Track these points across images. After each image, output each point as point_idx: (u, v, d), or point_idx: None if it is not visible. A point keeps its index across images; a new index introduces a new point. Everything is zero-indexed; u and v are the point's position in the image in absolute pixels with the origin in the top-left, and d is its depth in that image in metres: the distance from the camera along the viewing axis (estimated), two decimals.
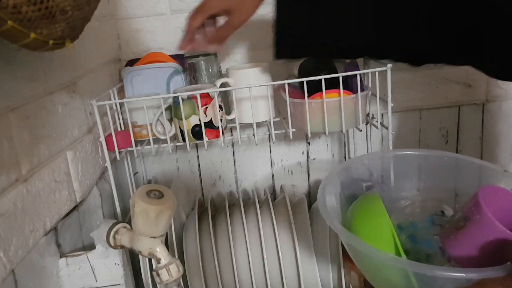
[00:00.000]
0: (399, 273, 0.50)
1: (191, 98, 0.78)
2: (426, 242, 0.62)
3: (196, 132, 0.80)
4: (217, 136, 0.82)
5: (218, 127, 0.81)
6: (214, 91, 0.80)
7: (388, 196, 0.69)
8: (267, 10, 1.00)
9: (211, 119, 0.80)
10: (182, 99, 0.78)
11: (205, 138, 0.80)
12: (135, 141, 0.83)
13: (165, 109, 0.81)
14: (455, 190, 0.68)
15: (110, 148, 0.79)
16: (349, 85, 0.81)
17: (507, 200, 0.56)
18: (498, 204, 0.54)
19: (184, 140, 0.81)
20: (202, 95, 0.78)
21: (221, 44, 0.77)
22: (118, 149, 0.79)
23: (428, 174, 0.71)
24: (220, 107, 0.82)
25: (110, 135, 0.79)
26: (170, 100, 0.82)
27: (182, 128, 0.81)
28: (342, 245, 0.80)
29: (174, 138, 0.85)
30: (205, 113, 0.80)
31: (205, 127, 0.80)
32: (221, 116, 0.82)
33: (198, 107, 0.78)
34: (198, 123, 0.80)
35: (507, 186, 0.60)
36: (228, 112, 0.87)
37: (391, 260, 0.50)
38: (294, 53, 0.72)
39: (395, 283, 0.52)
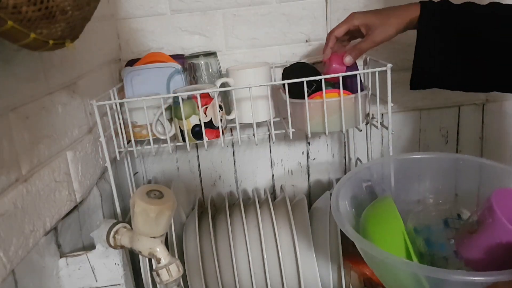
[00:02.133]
0: (411, 277, 0.50)
1: (191, 98, 0.78)
2: (440, 246, 0.62)
3: (196, 132, 0.80)
4: (217, 136, 0.82)
5: (218, 127, 0.81)
6: (214, 91, 0.80)
7: (402, 200, 0.70)
8: (267, 10, 1.00)
9: (211, 119, 0.80)
10: (182, 99, 0.78)
11: (205, 138, 0.80)
12: (135, 141, 0.83)
13: (165, 109, 0.81)
14: (475, 193, 0.68)
15: None
16: (348, 86, 0.81)
17: None
18: (511, 206, 0.54)
19: (184, 140, 0.81)
20: (202, 95, 0.78)
21: (357, 57, 0.79)
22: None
23: (443, 177, 0.71)
24: (220, 107, 0.82)
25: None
26: (170, 100, 0.82)
27: (182, 128, 0.81)
28: (342, 245, 0.80)
29: (174, 138, 0.85)
30: (205, 113, 0.80)
31: (205, 127, 0.80)
32: (221, 116, 0.82)
33: (198, 107, 0.78)
34: (198, 123, 0.80)
35: None
36: (228, 112, 0.87)
37: (402, 264, 0.51)
38: (427, 85, 0.79)
39: (407, 287, 0.52)
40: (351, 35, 0.82)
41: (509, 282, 0.43)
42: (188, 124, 0.80)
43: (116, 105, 0.84)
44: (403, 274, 0.52)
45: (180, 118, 0.80)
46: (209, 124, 0.80)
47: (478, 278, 0.45)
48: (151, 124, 0.82)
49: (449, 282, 0.47)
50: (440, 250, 0.61)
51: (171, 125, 0.84)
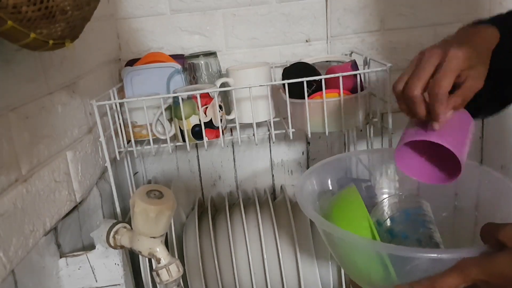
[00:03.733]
0: (375, 259, 0.49)
1: (191, 98, 0.78)
2: (403, 236, 0.62)
3: (196, 132, 0.80)
4: (217, 136, 0.82)
5: (218, 127, 0.81)
6: (214, 91, 0.80)
7: (369, 193, 0.70)
8: (267, 10, 1.00)
9: (211, 119, 0.80)
10: (182, 99, 0.78)
11: (205, 138, 0.80)
12: (135, 141, 0.83)
13: (165, 109, 0.81)
14: (437, 186, 0.69)
15: None
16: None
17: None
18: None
19: (184, 140, 0.81)
20: (202, 95, 0.78)
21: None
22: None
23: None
24: (220, 107, 0.82)
25: None
26: (170, 100, 0.82)
27: (182, 128, 0.81)
28: None
29: (174, 138, 0.85)
30: (205, 113, 0.80)
31: (205, 127, 0.80)
32: (221, 116, 0.82)
33: (198, 107, 0.78)
34: (198, 123, 0.80)
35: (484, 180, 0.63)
36: (228, 112, 0.87)
37: (366, 244, 0.50)
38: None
39: (373, 271, 0.51)
40: None
41: (472, 260, 0.43)
42: (188, 124, 0.80)
43: (116, 105, 0.84)
44: (367, 257, 0.51)
45: (180, 118, 0.80)
46: (209, 124, 0.80)
47: (444, 255, 0.45)
48: (151, 124, 0.82)
49: (413, 260, 0.46)
50: (403, 240, 0.62)
51: (171, 125, 0.84)
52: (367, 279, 0.55)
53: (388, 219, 0.65)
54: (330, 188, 0.68)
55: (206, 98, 0.79)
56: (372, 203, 0.69)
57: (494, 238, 0.43)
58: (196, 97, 0.78)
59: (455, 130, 0.56)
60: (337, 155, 0.71)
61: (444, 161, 0.58)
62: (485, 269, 0.42)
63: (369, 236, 0.53)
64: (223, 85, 0.84)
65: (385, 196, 0.70)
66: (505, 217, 0.56)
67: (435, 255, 0.45)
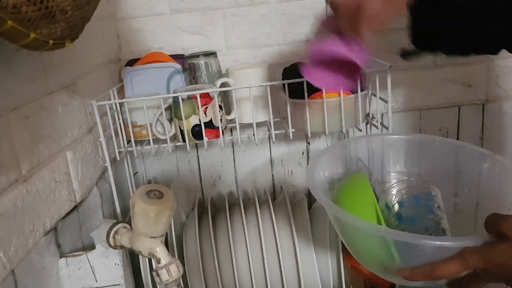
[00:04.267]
0: (381, 244, 0.50)
1: (191, 98, 0.78)
2: (411, 220, 0.63)
3: (196, 132, 0.80)
4: (217, 136, 0.82)
5: (218, 127, 0.81)
6: (214, 91, 0.80)
7: (378, 179, 0.72)
8: (267, 10, 1.00)
9: (211, 119, 0.80)
10: (182, 99, 0.78)
11: (205, 138, 0.80)
12: (135, 141, 0.83)
13: (165, 109, 0.81)
14: (446, 172, 0.70)
15: None
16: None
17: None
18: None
19: (184, 140, 0.81)
20: (202, 95, 0.78)
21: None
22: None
23: (416, 158, 0.72)
24: (220, 107, 0.82)
25: None
26: (170, 100, 0.82)
27: (182, 128, 0.81)
28: (343, 245, 0.80)
29: (174, 138, 0.85)
30: (205, 113, 0.80)
31: (205, 127, 0.80)
32: (221, 116, 0.82)
33: (198, 107, 0.78)
34: (198, 123, 0.80)
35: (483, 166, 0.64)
36: (228, 112, 0.87)
37: (370, 228, 0.51)
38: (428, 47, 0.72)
39: (378, 255, 0.53)
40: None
41: (475, 249, 0.44)
42: (188, 124, 0.80)
43: (116, 105, 0.84)
44: (372, 241, 0.52)
45: (180, 118, 0.80)
46: (209, 124, 0.80)
47: (448, 243, 0.45)
48: (151, 124, 0.82)
49: (417, 245, 0.47)
50: (411, 225, 0.63)
51: (171, 125, 0.84)
52: (372, 261, 0.56)
53: (397, 204, 0.66)
54: (341, 171, 0.70)
55: (206, 98, 0.79)
56: (383, 188, 0.70)
57: (497, 228, 0.44)
58: (196, 97, 0.78)
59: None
60: (346, 139, 0.73)
61: (347, 70, 0.66)
62: (485, 257, 0.43)
63: (375, 219, 0.55)
64: (223, 85, 0.84)
65: (395, 181, 0.71)
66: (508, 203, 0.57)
67: (439, 242, 0.46)
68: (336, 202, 0.59)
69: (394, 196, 0.67)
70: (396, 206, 0.66)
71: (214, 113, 0.80)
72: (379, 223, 0.56)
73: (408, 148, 0.72)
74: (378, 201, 0.62)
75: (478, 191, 0.66)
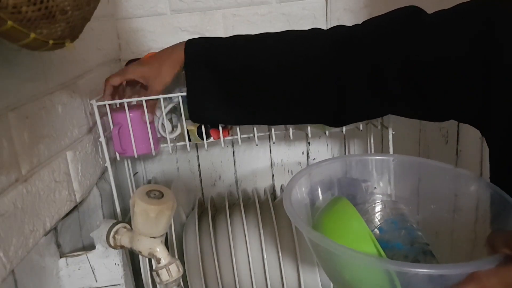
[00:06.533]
0: (382, 277, 0.47)
1: None
2: (397, 245, 0.60)
3: (202, 132, 0.81)
4: (223, 136, 0.82)
5: (223, 126, 0.81)
6: None
7: (369, 194, 0.68)
8: (267, 10, 1.00)
9: None
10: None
11: (211, 138, 0.81)
12: None
13: (169, 110, 0.82)
14: (413, 191, 0.68)
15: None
16: None
17: None
18: None
19: (190, 140, 0.81)
20: None
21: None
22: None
23: (384, 178, 0.69)
24: None
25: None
26: (176, 100, 0.81)
27: (188, 128, 0.81)
28: None
29: (177, 138, 0.85)
30: None
31: (211, 127, 0.81)
32: None
33: None
34: None
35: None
36: None
37: (375, 262, 0.47)
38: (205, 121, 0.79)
39: None
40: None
41: (490, 271, 0.42)
42: (193, 124, 0.80)
43: (116, 105, 0.84)
44: (375, 275, 0.48)
45: (186, 118, 0.80)
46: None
47: (458, 270, 0.43)
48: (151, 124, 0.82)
49: (424, 276, 0.44)
50: (398, 250, 0.60)
51: (171, 125, 0.84)
52: None
53: (376, 229, 0.63)
54: (320, 197, 0.65)
55: None
56: (370, 204, 0.68)
57: (509, 247, 0.42)
58: None
59: None
60: (327, 159, 0.68)
61: None
62: (504, 279, 0.41)
63: (372, 248, 0.50)
64: None
65: (375, 203, 0.68)
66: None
67: (454, 270, 0.43)
68: (320, 231, 0.54)
69: (374, 220, 0.64)
70: (377, 231, 0.62)
71: None
72: (377, 250, 0.50)
73: (382, 168, 0.68)
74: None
75: (477, 205, 0.63)
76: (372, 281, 0.49)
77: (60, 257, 0.66)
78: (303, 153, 1.11)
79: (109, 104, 0.77)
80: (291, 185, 0.60)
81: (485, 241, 0.45)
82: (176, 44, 0.77)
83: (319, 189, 0.66)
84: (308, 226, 0.52)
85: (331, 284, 0.83)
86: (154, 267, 0.65)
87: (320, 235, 0.50)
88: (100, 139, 0.78)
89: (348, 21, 1.01)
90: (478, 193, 0.61)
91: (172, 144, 0.83)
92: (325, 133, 0.81)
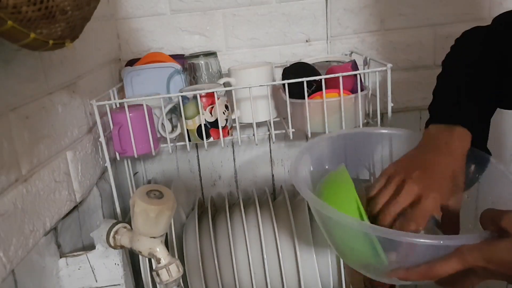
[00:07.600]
0: (364, 240, 0.49)
1: (197, 98, 0.79)
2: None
3: (202, 132, 0.81)
4: (223, 136, 0.82)
5: (224, 126, 0.81)
6: (217, 90, 0.80)
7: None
8: (267, 10, 1.00)
9: (217, 118, 0.80)
10: (188, 99, 0.78)
11: (211, 138, 0.81)
12: None
13: (169, 109, 0.82)
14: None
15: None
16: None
17: None
18: None
19: (190, 140, 0.81)
20: (208, 95, 0.78)
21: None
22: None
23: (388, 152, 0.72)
24: (226, 106, 0.82)
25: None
26: (176, 100, 0.82)
27: (188, 128, 0.81)
28: None
29: (177, 138, 0.85)
30: (211, 113, 0.80)
31: (211, 127, 0.81)
32: (228, 115, 0.82)
33: (204, 106, 0.79)
34: (204, 122, 0.80)
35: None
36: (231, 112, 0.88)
37: (355, 224, 0.49)
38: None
39: (362, 253, 0.51)
40: None
41: (474, 246, 0.43)
42: (193, 124, 0.80)
43: (116, 105, 0.84)
44: (356, 237, 0.51)
45: (186, 118, 0.80)
46: (215, 124, 0.81)
47: (445, 242, 0.44)
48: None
49: (414, 245, 0.46)
50: None
51: (171, 125, 0.84)
52: (358, 261, 0.55)
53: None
54: (326, 167, 0.69)
55: (212, 98, 0.79)
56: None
57: (496, 224, 0.43)
58: (202, 97, 0.78)
59: None
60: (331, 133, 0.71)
61: None
62: (486, 255, 0.42)
63: (357, 215, 0.53)
64: (224, 85, 0.84)
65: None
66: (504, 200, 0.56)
67: (437, 241, 0.44)
68: (318, 197, 0.57)
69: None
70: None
71: (219, 112, 0.80)
72: (361, 217, 0.52)
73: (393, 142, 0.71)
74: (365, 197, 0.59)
75: (477, 188, 0.64)
76: (357, 247, 0.52)
77: (60, 257, 0.66)
78: None
79: (108, 104, 0.77)
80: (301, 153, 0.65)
81: (480, 217, 0.46)
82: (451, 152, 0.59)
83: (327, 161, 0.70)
84: (308, 190, 0.55)
85: (331, 284, 0.83)
86: (154, 267, 0.65)
87: (314, 197, 0.53)
88: (100, 139, 0.78)
89: (348, 21, 1.01)
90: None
91: (172, 144, 0.83)
92: (325, 133, 0.81)
